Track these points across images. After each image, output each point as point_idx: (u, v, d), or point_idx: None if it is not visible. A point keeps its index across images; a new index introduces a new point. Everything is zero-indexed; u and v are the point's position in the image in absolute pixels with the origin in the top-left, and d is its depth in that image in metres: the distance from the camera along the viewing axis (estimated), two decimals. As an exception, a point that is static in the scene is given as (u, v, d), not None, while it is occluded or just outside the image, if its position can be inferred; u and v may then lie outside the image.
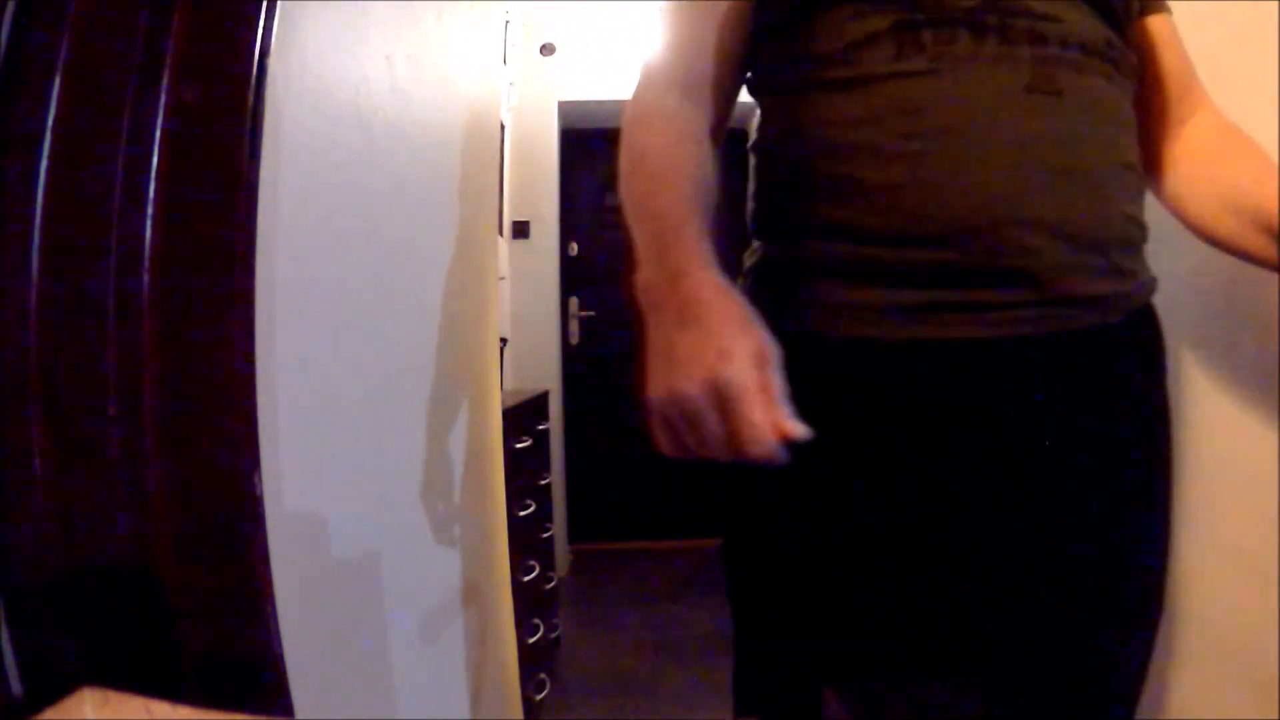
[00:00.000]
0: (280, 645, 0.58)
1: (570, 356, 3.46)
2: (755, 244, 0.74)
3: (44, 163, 0.49)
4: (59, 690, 0.46)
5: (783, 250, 0.69)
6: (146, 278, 0.52)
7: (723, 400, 0.48)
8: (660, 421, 0.52)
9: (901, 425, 0.62)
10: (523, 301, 3.19)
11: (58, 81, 0.50)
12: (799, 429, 0.48)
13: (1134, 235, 0.66)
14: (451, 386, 1.23)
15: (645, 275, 0.57)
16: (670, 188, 0.61)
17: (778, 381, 0.49)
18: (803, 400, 0.50)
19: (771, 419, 0.48)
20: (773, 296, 0.65)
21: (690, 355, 0.50)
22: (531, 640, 1.84)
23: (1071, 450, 0.63)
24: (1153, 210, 0.70)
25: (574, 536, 3.43)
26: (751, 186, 0.74)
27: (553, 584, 2.28)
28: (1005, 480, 0.62)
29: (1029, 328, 0.60)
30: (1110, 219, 0.63)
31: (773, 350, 0.50)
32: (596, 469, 3.52)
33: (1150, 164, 0.72)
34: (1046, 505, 0.62)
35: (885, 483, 0.63)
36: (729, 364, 0.48)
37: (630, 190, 0.64)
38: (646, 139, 0.66)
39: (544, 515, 2.18)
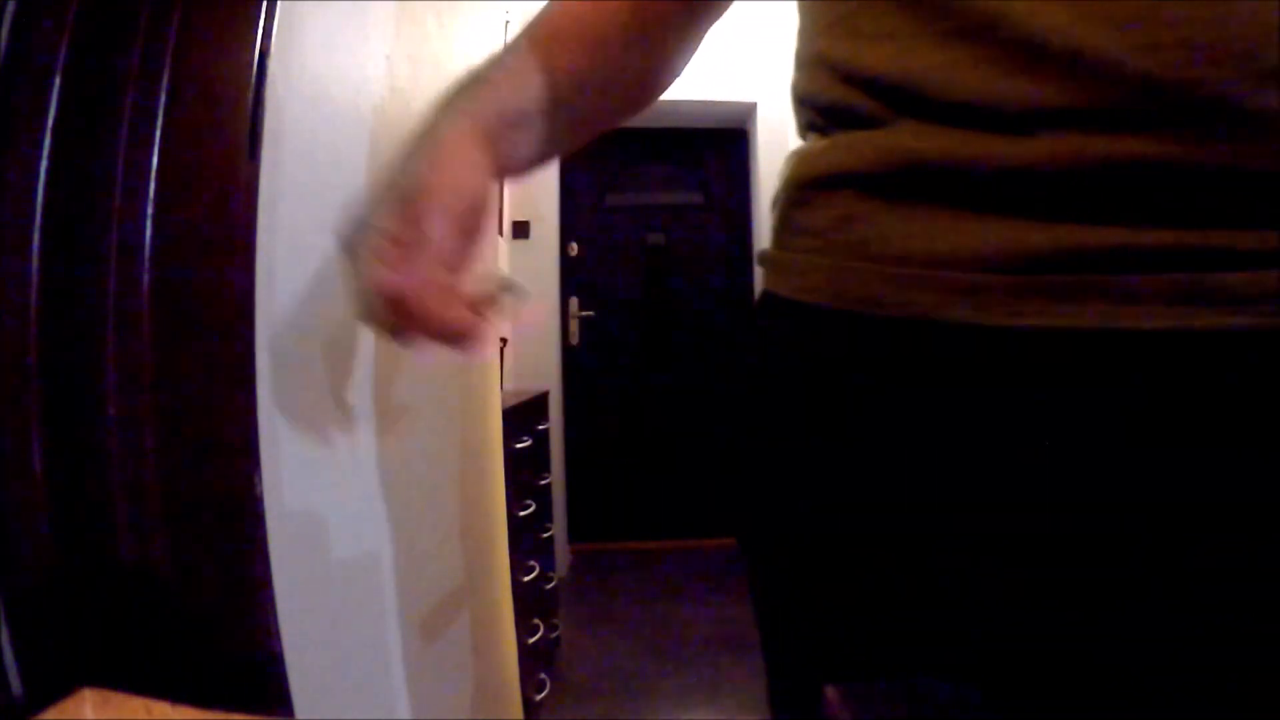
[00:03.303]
0: (280, 645, 0.58)
1: (570, 356, 3.46)
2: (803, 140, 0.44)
3: (44, 163, 0.49)
4: (59, 690, 0.46)
5: (831, 146, 0.39)
6: (146, 278, 0.52)
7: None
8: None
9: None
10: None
11: (58, 81, 0.50)
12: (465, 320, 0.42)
13: None
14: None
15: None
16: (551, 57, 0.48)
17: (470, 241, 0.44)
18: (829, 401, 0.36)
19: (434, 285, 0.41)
20: (806, 241, 0.39)
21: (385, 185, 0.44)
22: (531, 640, 1.84)
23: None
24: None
25: (574, 536, 3.43)
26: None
27: (553, 584, 2.28)
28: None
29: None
30: None
31: (486, 196, 0.44)
32: (596, 469, 3.52)
33: None
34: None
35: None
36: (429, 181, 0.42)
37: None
38: None
39: (544, 515, 2.18)
